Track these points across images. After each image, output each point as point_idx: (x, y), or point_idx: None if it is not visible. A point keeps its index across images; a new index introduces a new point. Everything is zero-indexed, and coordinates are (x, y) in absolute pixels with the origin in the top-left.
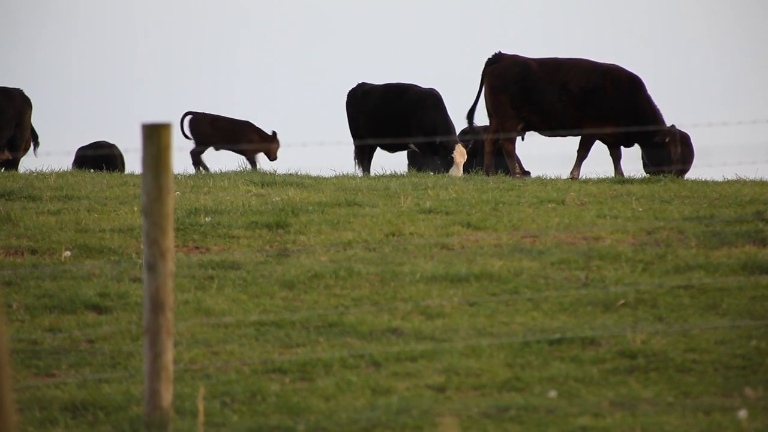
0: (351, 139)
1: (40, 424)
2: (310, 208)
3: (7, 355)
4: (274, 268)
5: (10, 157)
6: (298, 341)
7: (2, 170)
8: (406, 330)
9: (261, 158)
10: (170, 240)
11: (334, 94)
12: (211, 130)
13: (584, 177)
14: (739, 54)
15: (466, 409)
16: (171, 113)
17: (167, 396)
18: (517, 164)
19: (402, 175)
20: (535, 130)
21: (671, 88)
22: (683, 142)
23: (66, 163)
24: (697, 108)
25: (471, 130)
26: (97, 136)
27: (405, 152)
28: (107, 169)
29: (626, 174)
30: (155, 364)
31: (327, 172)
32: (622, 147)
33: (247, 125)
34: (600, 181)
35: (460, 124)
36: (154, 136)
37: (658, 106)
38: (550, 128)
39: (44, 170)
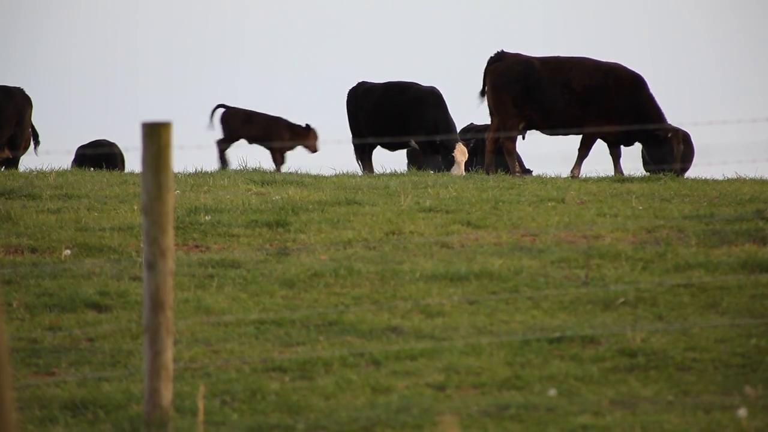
0: (351, 138)
1: (40, 422)
2: (310, 206)
3: (7, 354)
4: (274, 267)
5: (10, 156)
6: (298, 340)
7: (2, 169)
8: (406, 328)
9: (298, 153)
10: (170, 238)
11: (334, 93)
12: (242, 124)
13: (584, 175)
14: (739, 53)
15: (466, 407)
16: (171, 112)
17: (167, 394)
18: (517, 163)
19: (402, 174)
20: (536, 129)
21: (671, 87)
22: (683, 140)
23: (66, 161)
24: (697, 106)
25: (484, 128)
26: (97, 134)
27: (405, 151)
28: (107, 167)
29: (626, 173)
30: (155, 363)
31: (327, 171)
32: (622, 146)
33: (280, 122)
34: (600, 180)
35: (460, 122)
36: (154, 134)
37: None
38: (552, 127)
39: (44, 169)
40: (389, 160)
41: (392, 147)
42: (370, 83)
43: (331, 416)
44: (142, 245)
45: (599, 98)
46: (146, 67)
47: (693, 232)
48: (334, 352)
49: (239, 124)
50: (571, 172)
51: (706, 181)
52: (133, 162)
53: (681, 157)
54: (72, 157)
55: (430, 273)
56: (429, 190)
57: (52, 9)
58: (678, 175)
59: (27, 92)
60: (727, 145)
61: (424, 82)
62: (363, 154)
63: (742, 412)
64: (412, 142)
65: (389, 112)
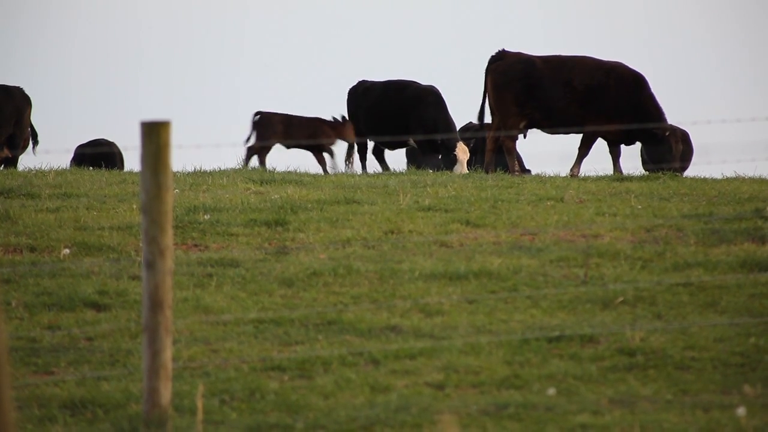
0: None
1: (39, 421)
2: (309, 205)
3: (6, 353)
4: (273, 266)
5: (9, 155)
6: (297, 339)
7: (1, 168)
8: (405, 328)
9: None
10: (169, 238)
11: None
12: (284, 129)
13: (583, 174)
14: (738, 52)
15: (465, 406)
16: (171, 111)
17: (166, 394)
18: (516, 162)
19: (401, 173)
20: (538, 128)
21: (671, 86)
22: (682, 139)
23: (65, 160)
24: (696, 106)
25: (480, 128)
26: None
27: (404, 150)
28: (106, 166)
29: (625, 172)
30: (154, 362)
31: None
32: (623, 145)
33: (318, 121)
34: (599, 179)
35: (460, 121)
36: (153, 133)
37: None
38: (554, 125)
39: (43, 168)
40: (389, 160)
41: (392, 146)
42: (370, 82)
43: (330, 415)
44: (141, 244)
45: (600, 97)
46: (145, 67)
47: (692, 231)
48: (333, 351)
49: (280, 128)
50: (571, 170)
51: (705, 180)
52: (132, 161)
53: (680, 156)
54: (71, 156)
55: (429, 272)
56: (428, 189)
57: (52, 9)
58: (677, 174)
59: (26, 91)
60: (726, 144)
61: (428, 82)
62: (364, 153)
63: (741, 410)
64: (411, 141)
65: (388, 110)
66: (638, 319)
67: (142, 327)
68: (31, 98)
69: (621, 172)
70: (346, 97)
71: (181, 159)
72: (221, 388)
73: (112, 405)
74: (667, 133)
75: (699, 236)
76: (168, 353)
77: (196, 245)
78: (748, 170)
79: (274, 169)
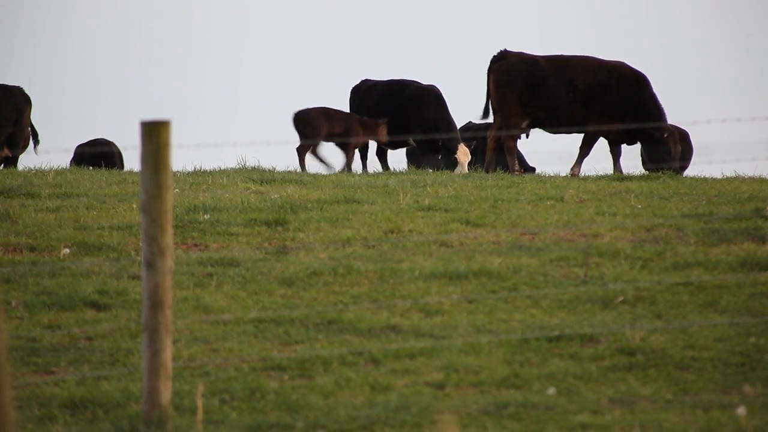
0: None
1: (39, 421)
2: (309, 205)
3: (6, 353)
4: (273, 266)
5: (9, 155)
6: (297, 338)
7: (1, 167)
8: (405, 327)
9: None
10: (169, 237)
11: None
12: (327, 122)
13: (583, 174)
14: (738, 51)
15: (465, 406)
16: (171, 111)
17: (166, 393)
18: (516, 162)
19: (401, 173)
20: (540, 127)
21: (671, 86)
22: (682, 139)
23: (65, 160)
24: (696, 105)
25: (484, 127)
26: (96, 133)
27: (404, 149)
28: (106, 166)
29: (625, 171)
30: (154, 362)
31: (326, 169)
32: (624, 144)
33: (354, 118)
34: (599, 178)
35: (460, 121)
36: (153, 133)
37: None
38: (556, 125)
39: (43, 167)
40: (389, 159)
41: (393, 145)
42: (373, 81)
43: (330, 415)
44: (141, 244)
45: (603, 97)
46: (145, 67)
47: (692, 231)
48: (333, 351)
49: (323, 122)
50: (572, 170)
51: (705, 179)
52: (132, 161)
53: (680, 156)
54: (71, 155)
55: (429, 272)
56: (428, 188)
57: (52, 9)
58: (677, 174)
59: (26, 91)
60: (726, 143)
61: (433, 81)
62: (366, 153)
63: (741, 410)
64: (411, 141)
65: (389, 110)
66: (638, 318)
67: (142, 326)
68: (31, 98)
69: (621, 171)
70: (349, 95)
71: (181, 158)
72: (221, 388)
73: (112, 404)
74: (665, 135)
75: (699, 236)
76: (168, 353)
77: (196, 245)
78: (748, 170)
79: (274, 169)
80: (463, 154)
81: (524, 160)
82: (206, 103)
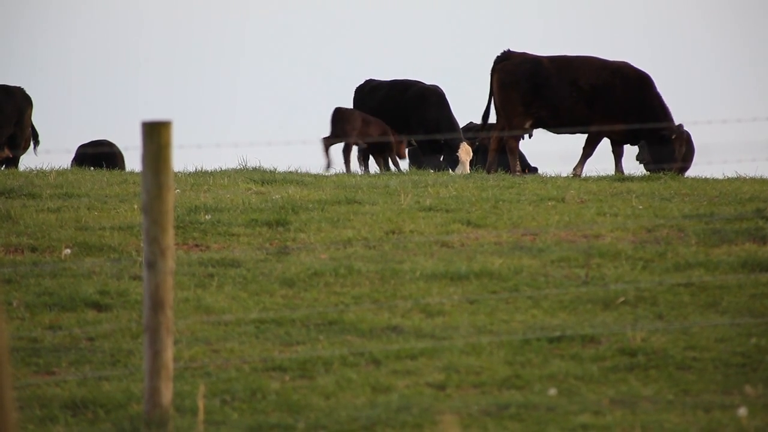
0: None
1: (40, 421)
2: (310, 205)
3: (7, 353)
4: (274, 266)
5: (10, 155)
6: (298, 339)
7: (2, 168)
8: (406, 328)
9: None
10: (170, 238)
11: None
12: (363, 125)
13: (585, 174)
14: (739, 51)
15: (466, 406)
16: (171, 111)
17: (167, 394)
18: (518, 162)
19: (402, 173)
20: (544, 127)
21: (671, 86)
22: (686, 140)
23: (66, 160)
24: (697, 106)
25: (482, 128)
26: (97, 134)
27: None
28: (107, 166)
29: (627, 172)
30: (155, 362)
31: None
32: (628, 144)
33: (385, 124)
34: (600, 179)
35: (462, 121)
36: (154, 133)
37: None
38: (560, 125)
39: (44, 168)
40: (388, 160)
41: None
42: (377, 81)
43: (332, 415)
44: (142, 244)
45: (606, 97)
46: (146, 67)
47: (693, 232)
48: (334, 352)
49: (359, 123)
50: (574, 170)
51: (706, 180)
52: (133, 161)
53: (681, 157)
54: (72, 156)
55: (430, 272)
56: (429, 189)
57: (52, 9)
58: (678, 174)
59: (27, 91)
60: (727, 144)
61: (437, 81)
62: (366, 152)
63: (742, 411)
64: (413, 141)
65: (393, 109)
66: (639, 319)
67: (143, 327)
68: (32, 98)
69: (623, 172)
70: (353, 95)
71: (182, 159)
72: (222, 388)
73: (114, 405)
74: (674, 136)
75: (700, 236)
76: (169, 353)
77: (197, 245)
78: (749, 170)
79: (275, 169)
80: (465, 152)
81: (526, 161)
82: (207, 104)
